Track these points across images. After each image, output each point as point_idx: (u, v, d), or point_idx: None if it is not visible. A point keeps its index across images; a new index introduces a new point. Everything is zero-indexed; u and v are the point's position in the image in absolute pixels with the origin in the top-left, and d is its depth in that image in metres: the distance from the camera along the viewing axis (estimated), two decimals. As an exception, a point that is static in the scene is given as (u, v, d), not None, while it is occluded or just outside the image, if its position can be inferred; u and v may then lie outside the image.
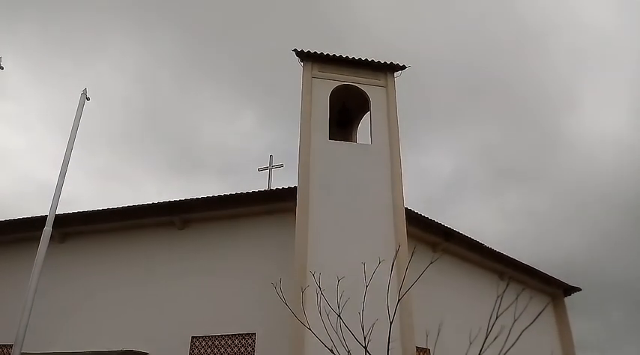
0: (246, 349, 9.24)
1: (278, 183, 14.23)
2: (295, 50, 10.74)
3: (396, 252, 6.95)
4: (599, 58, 37.36)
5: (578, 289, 14.25)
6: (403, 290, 5.73)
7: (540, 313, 5.00)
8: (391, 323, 4.75)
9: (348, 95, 11.14)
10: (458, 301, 11.24)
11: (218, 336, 9.47)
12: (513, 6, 36.09)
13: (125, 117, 36.10)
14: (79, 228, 11.37)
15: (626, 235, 31.54)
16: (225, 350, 9.35)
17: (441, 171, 35.06)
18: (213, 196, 10.53)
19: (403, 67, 11.11)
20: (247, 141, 38.41)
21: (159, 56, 36.69)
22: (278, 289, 5.75)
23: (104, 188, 34.30)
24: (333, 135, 10.37)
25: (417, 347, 8.50)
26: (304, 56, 10.78)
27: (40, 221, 8.37)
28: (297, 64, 10.82)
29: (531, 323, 4.37)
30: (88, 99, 8.37)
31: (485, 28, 35.78)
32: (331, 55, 10.84)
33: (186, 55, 37.16)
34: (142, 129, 37.53)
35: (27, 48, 31.87)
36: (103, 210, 10.96)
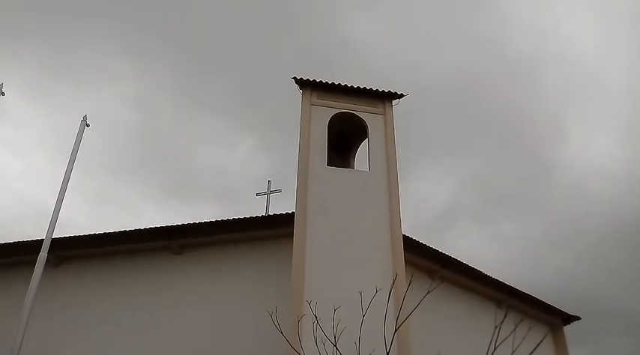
0: (241, 378, 9.08)
1: (276, 209, 14.24)
2: (295, 78, 10.90)
3: (394, 280, 6.91)
4: (586, 89, 38.22)
5: (577, 318, 14.07)
6: (400, 320, 5.68)
7: (539, 344, 4.96)
8: (388, 353, 4.70)
9: (347, 122, 11.25)
10: (456, 330, 11.11)
11: (213, 364, 9.32)
12: (502, 39, 36.99)
13: (123, 142, 36.26)
14: (74, 252, 11.28)
15: (622, 263, 31.62)
16: (220, 378, 9.19)
17: (435, 200, 35.22)
18: (210, 221, 10.52)
19: (401, 96, 11.25)
20: (245, 167, 38.56)
21: (157, 81, 37.06)
22: (274, 317, 5.71)
23: (100, 212, 34.16)
24: (331, 162, 10.42)
25: (414, 377, 8.37)
26: (303, 84, 10.93)
27: (35, 245, 8.31)
28: (296, 91, 10.96)
29: (530, 353, 4.33)
30: (87, 125, 8.43)
31: (474, 60, 36.57)
32: (330, 83, 10.99)
33: (184, 80, 37.58)
34: (139, 154, 37.63)
35: (28, 73, 32.23)
36: (99, 235, 10.90)
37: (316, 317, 5.45)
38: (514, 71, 37.09)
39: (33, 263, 7.78)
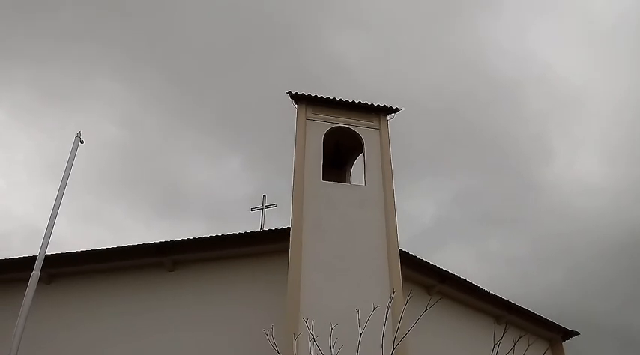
0: (236, 397, 8.91)
1: (271, 224, 14.13)
2: (290, 92, 10.89)
3: (391, 297, 6.83)
4: (567, 111, 39.33)
5: (576, 333, 14.01)
6: (398, 337, 5.59)
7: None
8: (386, 373, 4.61)
9: (342, 136, 11.23)
10: (455, 347, 10.97)
11: (207, 384, 9.14)
12: (483, 62, 38.03)
13: (110, 161, 36.10)
14: (66, 269, 11.12)
15: (615, 279, 32.07)
16: (215, 398, 9.01)
17: (421, 218, 35.51)
18: (204, 237, 10.41)
19: (396, 110, 11.26)
20: (236, 184, 38.55)
21: (145, 101, 37.08)
22: (270, 336, 5.61)
23: (87, 231, 33.81)
24: (326, 176, 10.36)
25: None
26: (298, 98, 10.93)
27: (27, 262, 8.18)
28: (288, 106, 10.95)
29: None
30: (82, 142, 8.36)
31: (460, 79, 37.49)
32: (325, 97, 10.99)
33: (172, 99, 37.65)
34: (126, 174, 37.46)
35: (15, 93, 32.37)
36: (92, 251, 10.76)
37: (313, 336, 5.36)
38: (497, 93, 38.20)
39: (25, 280, 7.64)
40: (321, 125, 10.86)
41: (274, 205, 14.94)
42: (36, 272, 7.59)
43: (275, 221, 14.72)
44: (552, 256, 35.04)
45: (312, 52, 36.86)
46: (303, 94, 10.89)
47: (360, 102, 11.13)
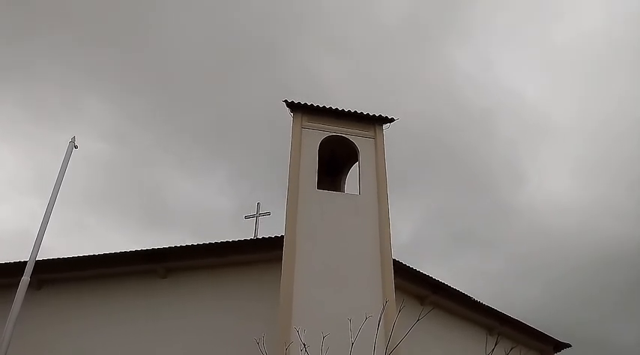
0: (226, 407, 8.83)
1: (264, 233, 14.08)
2: (286, 101, 10.92)
3: (384, 306, 6.80)
4: (537, 134, 40.28)
5: (568, 345, 14.02)
6: (390, 347, 5.58)
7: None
8: (377, 383, 4.58)
9: (337, 145, 11.24)
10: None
11: (197, 393, 9.06)
12: (457, 85, 38.77)
13: (96, 175, 35.82)
14: (57, 275, 11.03)
15: (596, 294, 32.72)
16: (205, 407, 8.92)
17: (401, 233, 36.00)
18: (197, 244, 10.38)
19: (392, 120, 11.30)
20: (229, 193, 38.54)
21: (131, 114, 36.97)
22: (261, 344, 5.58)
23: (72, 244, 33.34)
24: (321, 185, 10.36)
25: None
26: (294, 107, 10.95)
27: (17, 267, 8.10)
28: (281, 116, 10.98)
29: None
30: (76, 147, 8.30)
31: (433, 106, 38.40)
32: (321, 106, 11.02)
33: (161, 111, 37.66)
34: (113, 188, 37.28)
35: (5, 107, 32.31)
36: (84, 257, 10.68)
37: (304, 345, 5.33)
38: (468, 119, 39.20)
39: (14, 285, 7.57)
40: (317, 134, 10.87)
41: (268, 213, 14.91)
42: (25, 278, 7.51)
43: (269, 229, 14.70)
44: (529, 273, 36.29)
45: (291, 71, 37.61)
46: (299, 103, 10.92)
47: (355, 111, 11.17)
